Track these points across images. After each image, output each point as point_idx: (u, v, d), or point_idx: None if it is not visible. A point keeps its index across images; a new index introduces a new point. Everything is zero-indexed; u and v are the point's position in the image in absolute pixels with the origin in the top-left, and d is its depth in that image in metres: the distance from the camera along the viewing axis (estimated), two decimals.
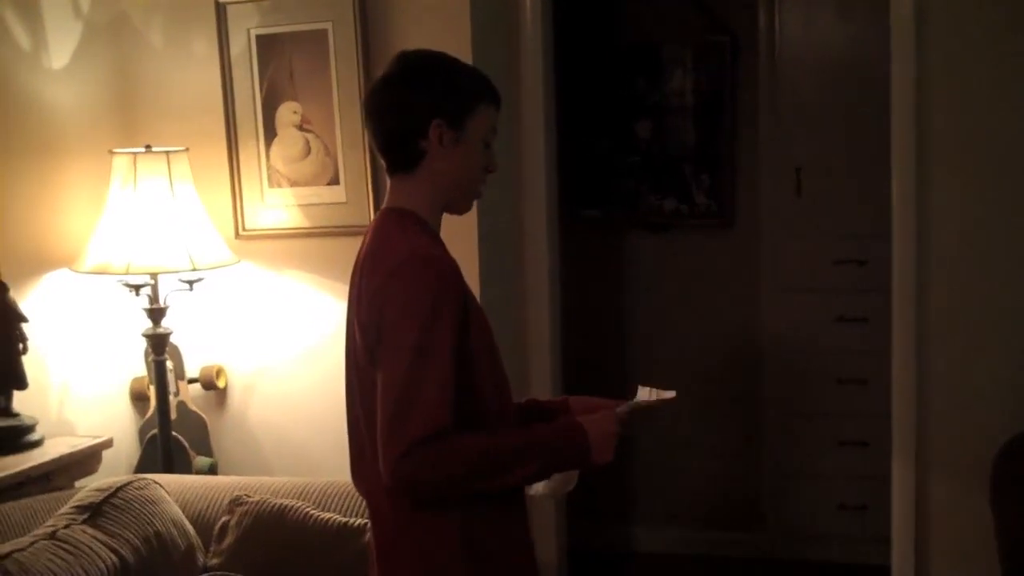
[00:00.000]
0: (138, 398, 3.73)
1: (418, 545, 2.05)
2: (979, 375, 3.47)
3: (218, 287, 3.66)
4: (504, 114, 3.60)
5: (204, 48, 3.70)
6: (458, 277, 2.03)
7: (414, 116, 2.07)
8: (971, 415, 3.40)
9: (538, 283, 3.83)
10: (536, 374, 3.81)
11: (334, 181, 3.61)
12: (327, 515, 2.91)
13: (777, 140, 4.70)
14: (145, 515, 2.86)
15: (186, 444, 3.62)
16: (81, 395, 3.55)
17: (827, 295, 4.65)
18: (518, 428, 2.13)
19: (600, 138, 4.85)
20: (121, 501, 2.85)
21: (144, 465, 3.58)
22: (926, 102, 3.44)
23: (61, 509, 2.82)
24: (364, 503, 2.26)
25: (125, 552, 2.74)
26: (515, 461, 2.01)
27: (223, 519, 2.99)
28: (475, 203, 3.39)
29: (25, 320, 3.25)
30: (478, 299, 3.37)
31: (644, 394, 2.21)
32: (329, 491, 3.00)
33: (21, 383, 3.24)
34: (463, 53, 3.28)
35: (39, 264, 3.45)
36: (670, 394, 2.21)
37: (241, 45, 3.64)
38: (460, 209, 2.18)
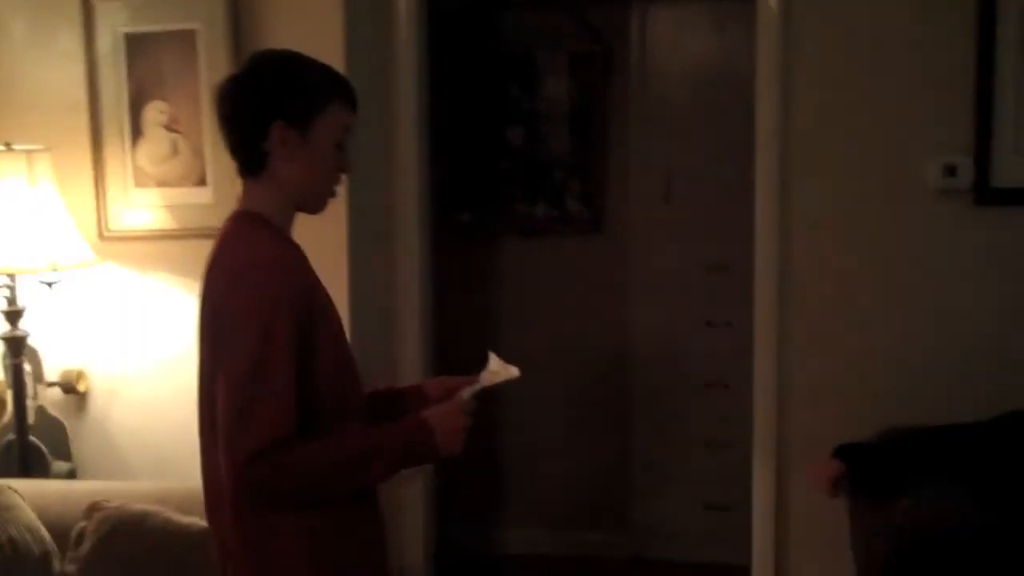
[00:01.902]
0: None
1: (265, 549, 2.04)
2: (837, 379, 3.58)
3: (80, 289, 3.59)
4: (377, 118, 3.67)
5: (70, 45, 3.62)
6: (301, 282, 2.02)
7: (256, 118, 2.05)
8: (829, 417, 3.49)
9: (409, 288, 3.83)
10: (406, 379, 3.80)
11: (201, 182, 3.57)
12: (188, 519, 2.88)
13: (647, 147, 4.79)
14: None
15: (44, 449, 3.53)
16: None
17: (695, 300, 4.76)
18: (364, 430, 2.12)
19: (474, 144, 4.87)
20: None
21: None
22: (791, 110, 3.53)
23: None
24: None
25: None
26: (360, 465, 2.02)
27: (80, 525, 2.93)
28: (345, 207, 3.47)
29: None
30: (345, 304, 3.42)
31: (494, 364, 2.22)
32: (190, 495, 2.93)
33: None
34: (335, 56, 3.28)
35: None
36: (515, 371, 2.22)
37: (108, 43, 3.57)
38: (313, 210, 2.17)
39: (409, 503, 3.86)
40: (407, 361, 3.81)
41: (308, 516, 2.03)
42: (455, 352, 4.48)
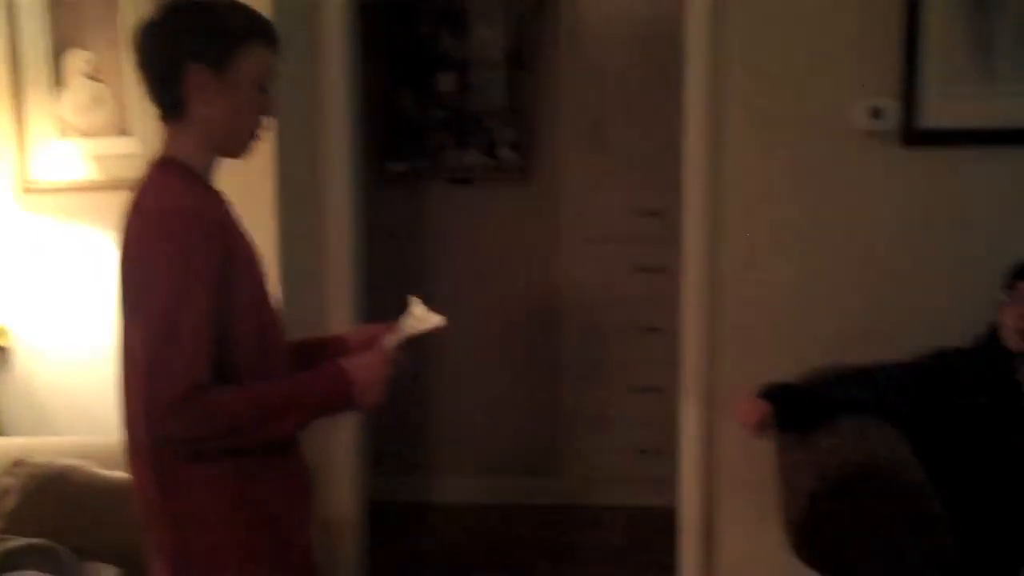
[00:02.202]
0: None
1: (183, 499, 2.02)
2: (765, 321, 3.62)
3: (1, 243, 3.51)
4: (304, 65, 3.62)
5: None
6: (218, 230, 1.99)
7: (171, 61, 2.01)
8: (758, 360, 3.53)
9: (338, 237, 3.80)
10: (336, 329, 3.77)
11: (126, 132, 3.51)
12: (112, 474, 2.85)
13: (577, 94, 4.78)
14: None
15: None
16: None
17: (626, 246, 4.78)
18: (282, 379, 2.10)
19: (404, 92, 4.82)
20: None
21: None
22: (720, 56, 3.54)
23: None
24: None
25: None
26: (276, 413, 2.00)
27: (4, 481, 2.89)
28: (273, 154, 3.43)
29: None
30: (274, 254, 3.39)
31: (418, 311, 2.19)
32: (114, 450, 2.91)
33: None
34: (261, 2, 3.22)
35: None
36: (439, 320, 2.19)
37: None
38: (236, 154, 2.13)
39: (339, 453, 3.85)
40: (337, 310, 3.79)
41: (225, 465, 2.01)
42: (385, 301, 4.48)
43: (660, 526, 4.18)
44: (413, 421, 4.96)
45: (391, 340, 2.16)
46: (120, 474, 2.84)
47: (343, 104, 3.76)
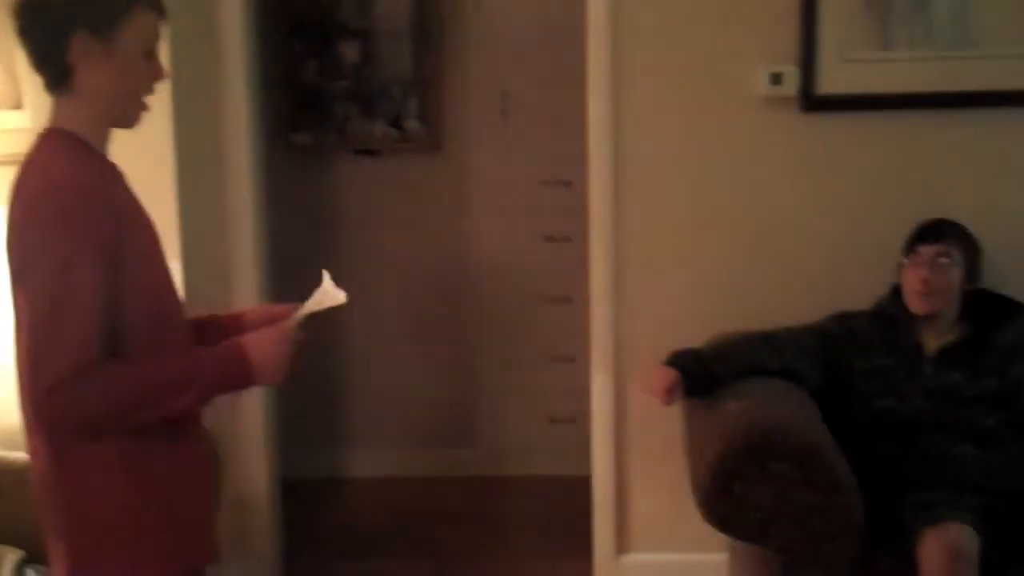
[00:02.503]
0: None
1: (80, 479, 1.98)
2: (672, 288, 3.65)
3: None
4: (204, 37, 3.54)
5: None
6: (108, 203, 1.94)
7: (55, 29, 1.95)
8: (666, 327, 3.56)
9: (242, 212, 3.73)
10: (243, 304, 3.72)
11: (17, 105, 3.40)
12: (12, 454, 2.79)
13: (484, 64, 4.75)
14: None
15: None
16: None
17: (536, 216, 4.77)
18: (178, 356, 2.06)
19: (307, 63, 4.75)
20: None
21: None
22: (621, 25, 3.54)
23: None
24: None
25: None
26: (172, 391, 1.96)
27: None
28: (173, 130, 3.36)
29: None
30: (175, 229, 3.33)
31: (327, 284, 2.17)
32: (14, 430, 2.85)
33: None
34: None
35: None
36: (342, 297, 2.17)
37: None
38: (126, 123, 2.08)
39: (250, 429, 3.81)
40: (242, 285, 3.73)
41: (122, 445, 1.97)
42: (292, 275, 4.44)
43: (574, 495, 4.20)
44: (325, 396, 4.92)
45: (293, 317, 2.14)
46: (20, 455, 2.78)
47: (243, 76, 3.68)
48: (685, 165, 3.61)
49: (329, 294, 2.17)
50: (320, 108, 4.78)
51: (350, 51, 4.74)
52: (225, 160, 3.70)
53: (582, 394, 3.86)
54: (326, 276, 2.19)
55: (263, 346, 2.06)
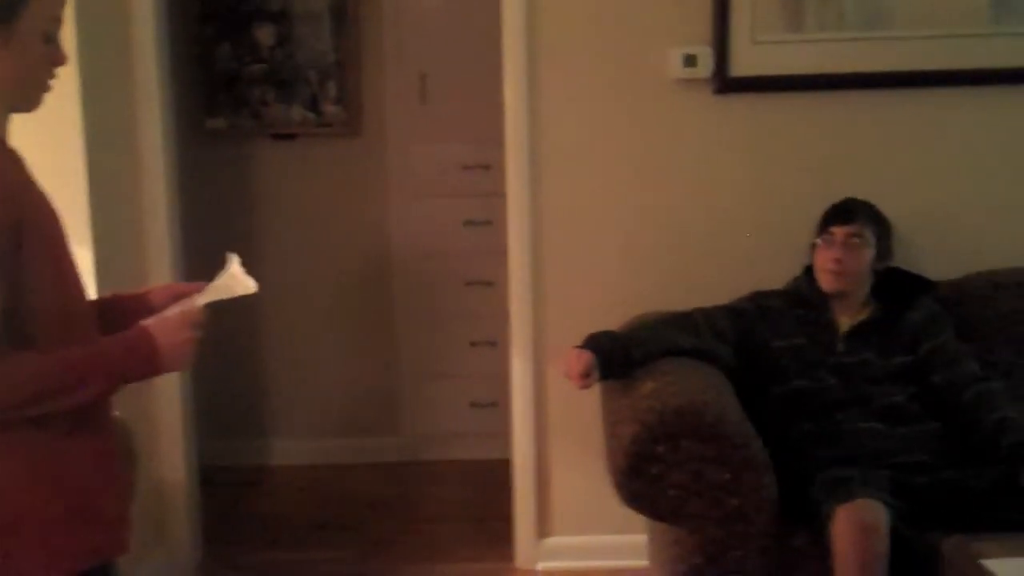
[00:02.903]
0: None
1: None
2: (589, 271, 3.66)
3: None
4: (113, 21, 3.47)
5: None
6: (9, 191, 1.88)
7: None
8: (584, 310, 3.57)
9: (155, 198, 3.67)
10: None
11: None
12: None
13: (403, 47, 4.71)
14: None
15: None
16: None
17: (454, 200, 4.74)
18: (83, 346, 2.01)
19: (221, 46, 4.68)
20: None
21: None
22: (536, 7, 3.54)
23: None
24: None
25: None
26: (76, 379, 1.91)
27: None
28: (82, 116, 3.28)
29: None
30: (86, 214, 3.25)
31: (235, 268, 2.12)
32: None
33: None
34: None
35: None
36: (252, 285, 2.11)
37: None
38: (27, 108, 2.02)
39: (167, 417, 3.75)
40: (156, 273, 3.67)
41: (27, 435, 1.92)
42: (210, 262, 4.38)
43: (496, 478, 4.20)
44: (246, 384, 4.87)
45: (199, 300, 2.09)
46: None
47: (155, 59, 3.61)
48: (602, 148, 3.61)
49: (238, 280, 2.11)
50: (235, 92, 4.71)
51: (265, 34, 4.67)
52: (137, 146, 3.63)
53: (504, 378, 3.85)
54: (234, 261, 2.13)
55: (169, 332, 2.01)
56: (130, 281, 3.58)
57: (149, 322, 2.04)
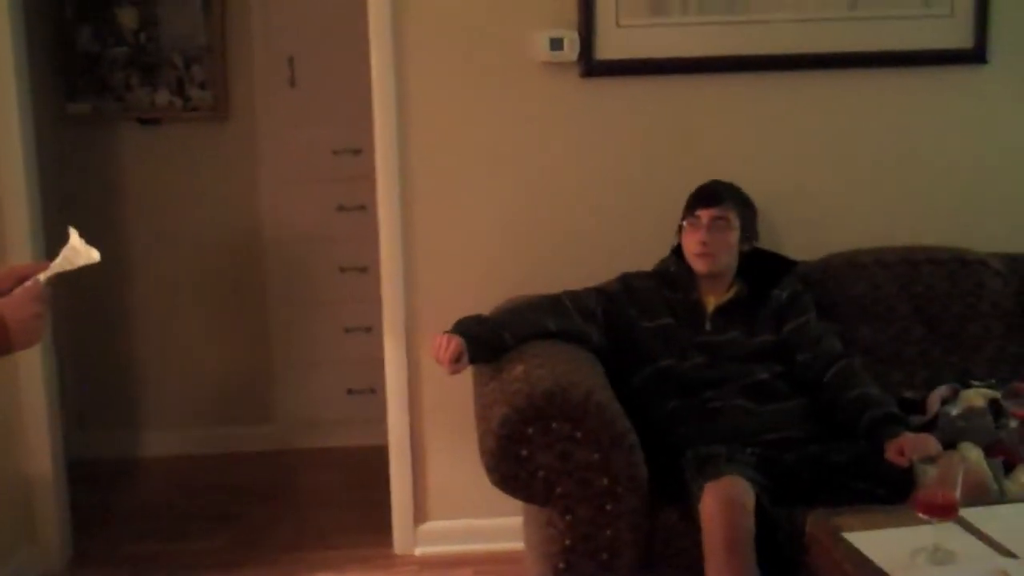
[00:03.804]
0: None
1: None
2: (460, 255, 3.67)
3: None
4: None
5: None
6: None
7: None
8: (453, 295, 3.57)
9: (14, 185, 3.56)
10: None
11: None
12: None
13: (270, 30, 4.65)
14: None
15: None
16: None
17: (325, 185, 4.71)
18: None
19: (82, 28, 4.55)
20: None
21: None
22: None
23: None
24: None
25: None
26: None
27: None
28: None
29: None
30: None
31: (75, 241, 2.09)
32: None
33: None
34: None
35: None
36: (95, 255, 2.09)
37: None
38: None
39: (30, 408, 3.65)
40: (17, 261, 3.55)
41: None
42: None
43: (373, 465, 4.19)
44: (115, 373, 4.76)
45: (43, 276, 2.06)
46: None
47: (10, 41, 3.50)
48: (470, 131, 3.61)
49: (79, 252, 2.10)
50: (98, 76, 4.58)
51: (128, 16, 4.56)
52: None
53: (380, 364, 3.83)
54: (73, 233, 2.12)
55: (17, 310, 1.99)
56: None
57: None
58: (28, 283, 2.05)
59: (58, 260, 2.09)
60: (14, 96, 3.53)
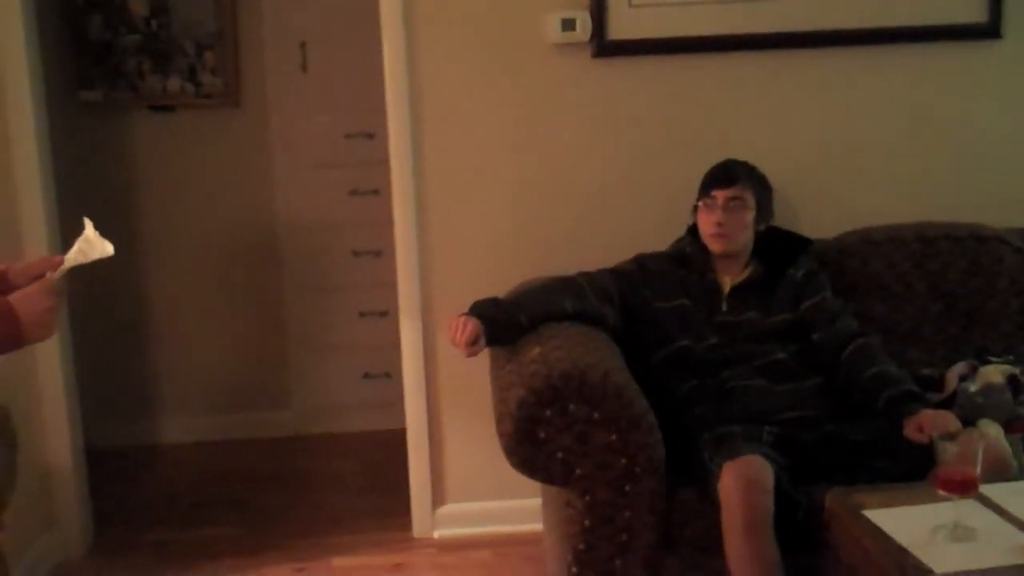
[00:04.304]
0: None
1: None
2: (475, 237, 3.66)
3: None
4: None
5: None
6: None
7: None
8: (469, 278, 3.56)
9: (28, 174, 3.57)
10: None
11: None
12: None
13: (281, 16, 4.64)
14: None
15: None
16: None
17: (339, 169, 4.71)
18: None
19: (93, 15, 4.55)
20: None
21: None
22: None
23: None
24: None
25: None
26: None
27: None
28: None
29: None
30: None
31: (90, 233, 2.09)
32: None
33: None
34: None
35: None
36: (109, 248, 2.09)
37: None
38: None
39: (49, 398, 3.67)
40: (32, 250, 3.55)
41: None
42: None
43: (390, 449, 4.20)
44: (132, 361, 4.77)
45: (58, 271, 2.06)
46: None
47: (23, 29, 3.51)
48: (482, 113, 3.60)
49: (94, 245, 2.10)
50: (110, 63, 4.58)
51: (138, 4, 4.55)
52: (7, 119, 3.52)
53: (396, 348, 3.83)
54: (88, 225, 2.12)
55: (30, 303, 2.01)
56: (4, 258, 3.47)
57: (10, 296, 2.01)
58: (45, 277, 2.05)
59: (72, 253, 2.09)
60: (27, 85, 3.54)
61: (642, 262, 3.33)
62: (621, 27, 3.52)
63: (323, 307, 4.80)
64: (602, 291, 3.22)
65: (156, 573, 3.66)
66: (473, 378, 3.47)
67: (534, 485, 3.06)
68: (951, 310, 3.48)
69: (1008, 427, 2.87)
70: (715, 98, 3.63)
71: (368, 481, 4.35)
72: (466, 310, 3.09)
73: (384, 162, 3.72)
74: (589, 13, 3.50)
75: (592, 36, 3.52)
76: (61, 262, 2.09)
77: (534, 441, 2.81)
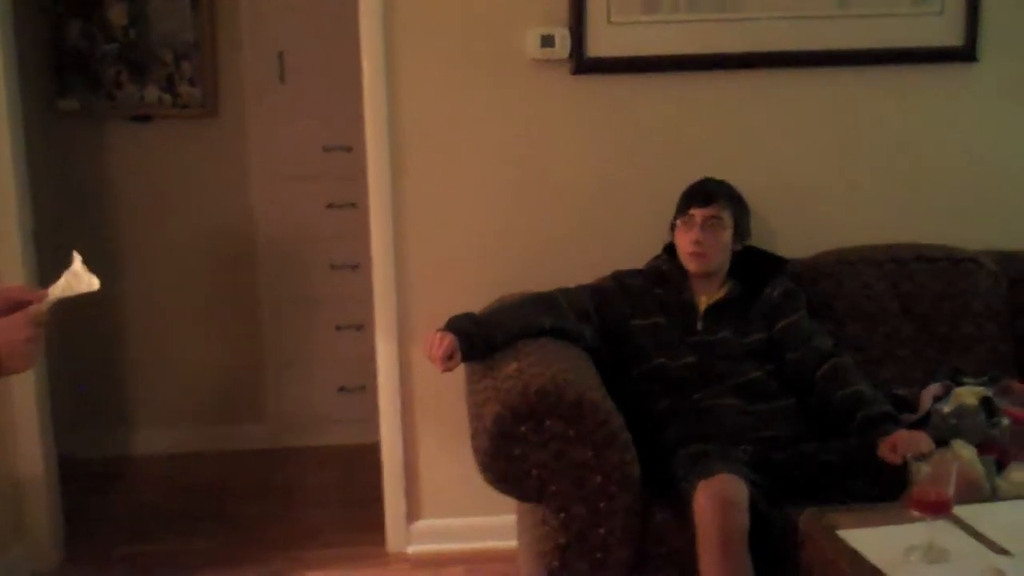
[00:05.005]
0: None
1: None
2: (451, 252, 3.66)
3: None
4: None
5: None
6: None
7: None
8: (447, 292, 3.56)
9: (4, 182, 3.54)
10: (8, 282, 3.54)
11: None
12: None
13: (259, 26, 4.63)
14: None
15: None
16: None
17: (316, 182, 4.70)
18: None
19: (71, 24, 4.53)
20: None
21: None
22: None
23: None
24: None
25: None
26: None
27: None
28: None
29: None
30: None
31: (77, 267, 2.06)
32: None
33: None
34: None
35: None
36: (95, 283, 2.07)
37: None
38: None
39: (21, 409, 3.64)
40: (7, 260, 3.54)
41: None
42: (64, 247, 4.23)
43: (365, 463, 4.19)
44: (107, 372, 4.75)
45: (44, 303, 2.04)
46: None
47: None
48: (461, 128, 3.61)
49: (81, 278, 2.07)
50: (88, 72, 4.57)
51: (117, 13, 4.54)
52: None
53: (372, 362, 3.82)
54: (77, 259, 2.09)
55: (9, 333, 1.97)
56: None
57: None
58: (27, 308, 2.03)
59: (59, 285, 2.06)
60: (3, 93, 3.52)
61: (620, 279, 3.33)
62: (600, 45, 3.53)
63: (299, 319, 4.79)
64: (580, 307, 3.23)
65: None
66: (449, 393, 3.46)
67: (509, 502, 3.05)
68: (925, 331, 3.49)
69: (981, 448, 2.88)
70: (693, 116, 3.64)
71: (343, 495, 4.33)
72: (442, 325, 3.09)
73: (362, 176, 3.71)
74: (568, 30, 3.51)
75: (571, 53, 3.53)
76: (46, 294, 2.07)
77: (509, 457, 2.80)
